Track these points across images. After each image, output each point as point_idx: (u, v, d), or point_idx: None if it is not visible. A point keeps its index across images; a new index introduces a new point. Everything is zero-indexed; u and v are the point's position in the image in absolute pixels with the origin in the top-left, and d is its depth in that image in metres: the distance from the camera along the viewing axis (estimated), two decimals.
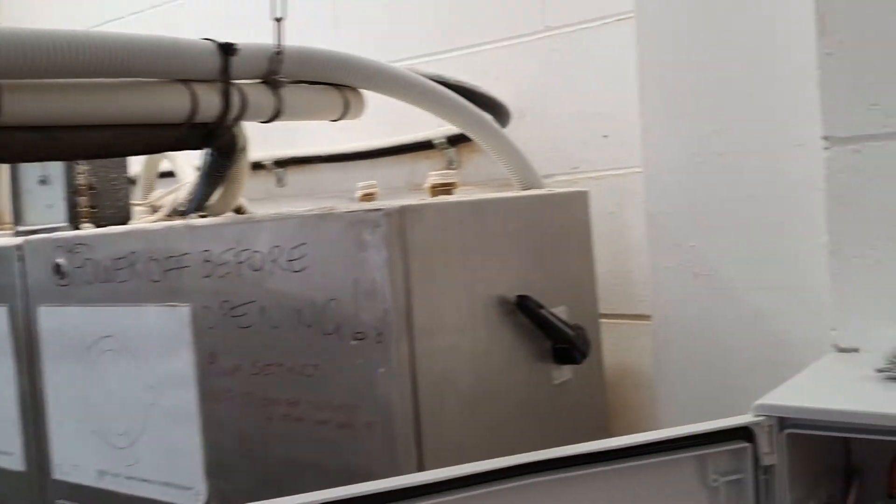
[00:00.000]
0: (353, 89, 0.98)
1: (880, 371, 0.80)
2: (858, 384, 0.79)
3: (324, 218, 0.85)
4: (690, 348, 1.13)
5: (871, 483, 0.88)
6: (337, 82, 0.95)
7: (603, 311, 1.28)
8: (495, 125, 1.14)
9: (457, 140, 1.37)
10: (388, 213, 0.82)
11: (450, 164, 1.40)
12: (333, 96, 0.96)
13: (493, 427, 0.95)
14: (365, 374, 0.84)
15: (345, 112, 0.98)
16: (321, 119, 0.99)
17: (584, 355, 1.04)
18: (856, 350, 0.90)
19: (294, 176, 1.62)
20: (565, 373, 1.07)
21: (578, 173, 1.32)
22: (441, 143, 1.39)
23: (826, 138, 0.91)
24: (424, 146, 1.42)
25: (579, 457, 0.73)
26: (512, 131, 1.31)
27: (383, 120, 1.47)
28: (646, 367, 1.25)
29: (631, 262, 1.28)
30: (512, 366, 0.98)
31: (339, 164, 1.53)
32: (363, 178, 1.32)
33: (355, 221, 0.83)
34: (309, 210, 0.88)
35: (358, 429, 0.85)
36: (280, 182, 1.61)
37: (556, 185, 1.31)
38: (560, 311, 1.06)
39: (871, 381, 0.79)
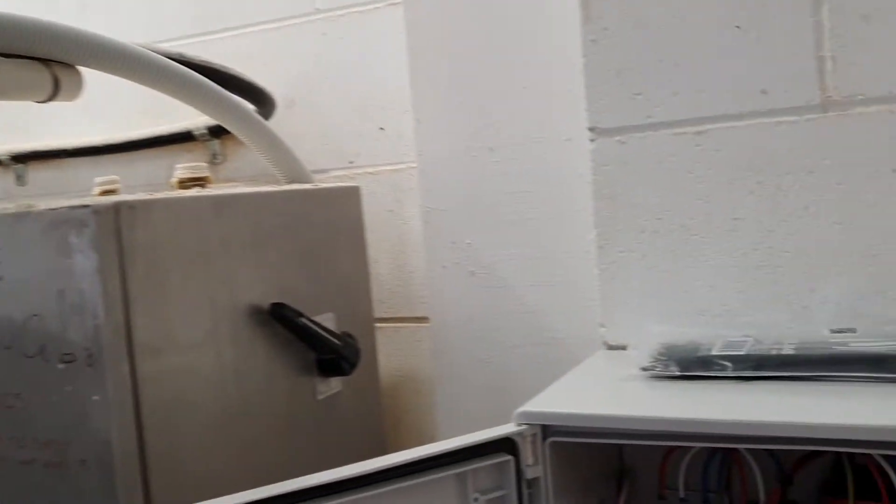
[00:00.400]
0: (67, 66, 0.84)
1: (645, 370, 0.76)
2: (624, 385, 0.76)
3: (20, 217, 0.71)
4: (469, 350, 1.07)
5: (642, 484, 0.85)
6: (40, 56, 0.80)
7: (383, 314, 1.20)
8: (250, 112, 1.03)
9: (221, 131, 1.24)
10: (99, 211, 0.69)
11: (213, 158, 1.28)
12: (36, 73, 0.81)
13: (246, 454, 0.84)
14: (76, 403, 0.70)
15: (55, 92, 0.83)
16: (21, 99, 0.83)
17: (353, 365, 0.96)
18: (623, 347, 0.87)
19: (38, 173, 1.42)
20: (334, 385, 0.98)
21: (354, 168, 1.23)
22: (202, 135, 1.26)
23: (592, 129, 0.88)
24: (184, 138, 1.28)
25: (327, 486, 0.64)
26: (280, 122, 1.20)
27: (142, 108, 1.32)
28: (426, 371, 1.18)
29: (411, 262, 1.20)
30: (268, 383, 0.87)
31: (91, 159, 1.35)
32: (120, 173, 1.17)
33: (58, 221, 0.69)
34: (3, 208, 0.73)
35: (70, 468, 0.71)
36: (20, 180, 1.41)
37: (330, 181, 1.22)
38: (327, 319, 0.97)
39: (636, 381, 0.76)
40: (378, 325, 1.14)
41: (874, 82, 0.75)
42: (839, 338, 0.74)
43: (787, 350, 0.73)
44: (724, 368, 0.73)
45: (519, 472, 0.70)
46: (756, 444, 0.67)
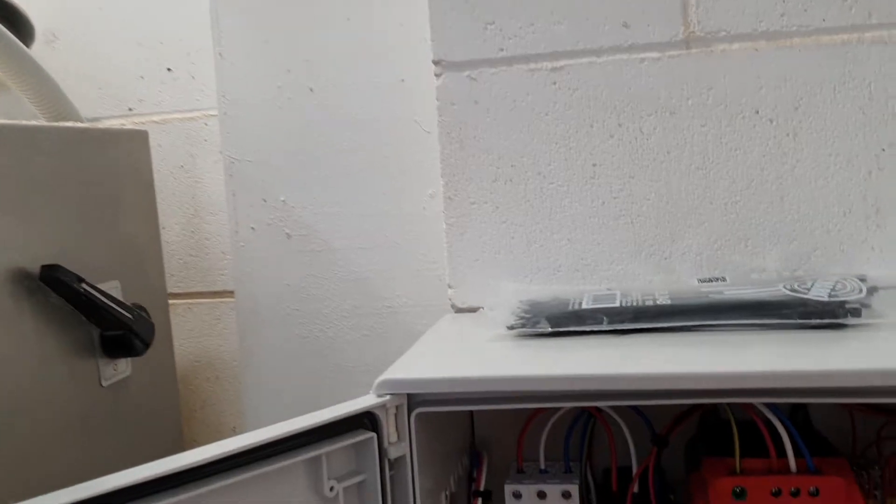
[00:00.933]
0: None
1: (511, 328, 0.67)
2: (492, 346, 0.66)
3: None
4: (284, 326, 0.93)
5: (497, 459, 0.76)
6: None
7: (174, 289, 1.03)
8: (14, 39, 0.82)
9: None
10: None
11: None
12: None
13: (11, 461, 0.64)
14: None
15: None
16: None
17: (146, 344, 0.78)
18: (474, 310, 0.78)
19: None
20: (122, 369, 0.80)
21: (135, 115, 1.04)
22: None
23: (437, 63, 0.77)
24: None
25: (141, 486, 0.48)
26: (39, 60, 0.98)
27: None
28: (228, 355, 1.02)
29: (207, 227, 1.03)
30: (38, 368, 0.68)
31: None
32: None
33: None
34: None
35: None
36: None
37: None
38: (111, 288, 0.78)
39: (503, 341, 0.66)
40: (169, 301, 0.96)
41: (738, 18, 0.72)
42: (710, 287, 0.69)
43: (663, 300, 0.67)
44: (599, 322, 0.66)
45: (381, 451, 0.58)
46: (639, 400, 0.59)
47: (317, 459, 0.55)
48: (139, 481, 0.47)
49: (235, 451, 0.51)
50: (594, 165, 0.75)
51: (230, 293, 0.99)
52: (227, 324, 1.02)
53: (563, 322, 0.66)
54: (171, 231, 1.03)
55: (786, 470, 0.61)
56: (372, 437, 0.57)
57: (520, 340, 0.66)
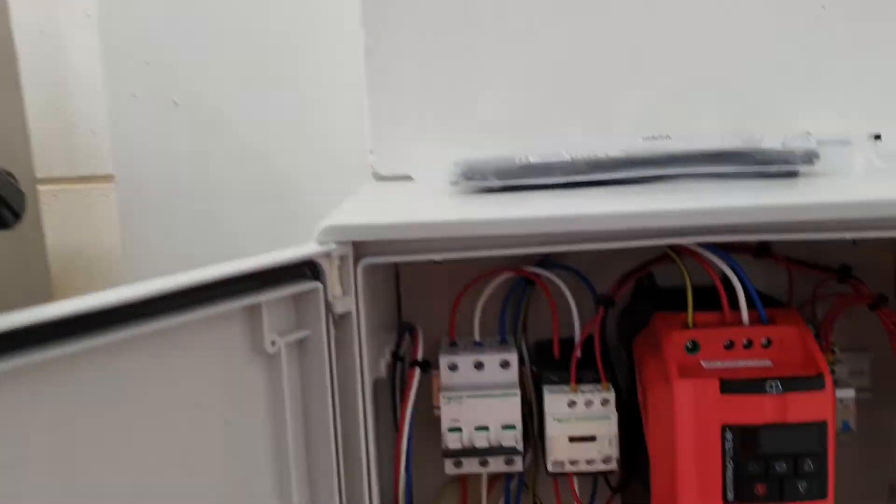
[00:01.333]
0: None
1: (456, 184, 0.61)
2: (436, 200, 0.60)
3: None
4: (171, 210, 0.82)
5: (426, 335, 0.70)
6: None
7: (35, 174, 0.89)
8: None
9: None
10: None
11: None
12: None
13: None
14: None
15: None
16: None
17: (16, 214, 0.66)
18: (402, 178, 0.71)
19: None
20: None
21: None
22: None
23: None
24: None
25: (47, 326, 0.39)
26: None
27: None
28: (103, 247, 0.90)
29: (73, 101, 0.90)
30: None
31: None
32: None
33: None
34: None
35: None
36: None
37: None
38: None
39: (447, 197, 0.60)
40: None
41: None
42: (659, 143, 0.66)
43: (616, 154, 0.63)
44: (552, 174, 0.61)
45: (327, 305, 0.51)
46: (596, 243, 0.54)
47: (255, 309, 0.47)
48: (48, 319, 0.38)
49: (164, 293, 0.43)
50: (530, 16, 0.70)
51: (104, 177, 0.87)
52: (100, 213, 0.90)
53: (514, 175, 0.61)
54: (30, 107, 0.89)
55: (738, 322, 0.59)
56: (316, 288, 0.50)
57: (466, 197, 0.60)
